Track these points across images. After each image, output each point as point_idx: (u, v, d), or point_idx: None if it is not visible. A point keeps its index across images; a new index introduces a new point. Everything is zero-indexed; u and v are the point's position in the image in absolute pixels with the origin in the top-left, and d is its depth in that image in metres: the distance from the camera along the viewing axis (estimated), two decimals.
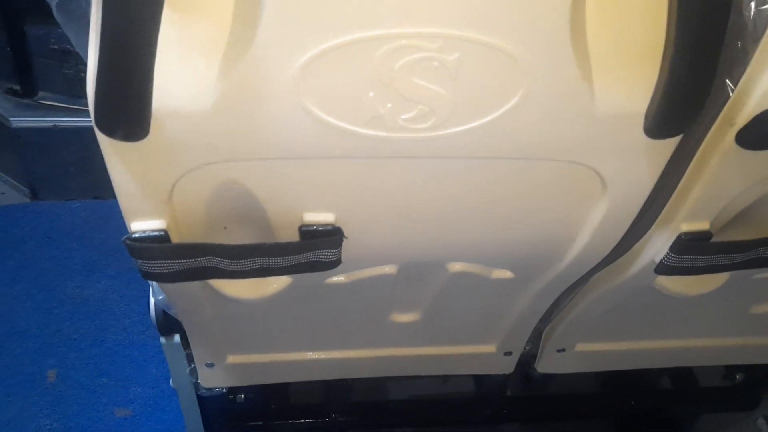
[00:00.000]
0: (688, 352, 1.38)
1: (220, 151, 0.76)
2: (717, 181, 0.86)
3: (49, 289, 2.33)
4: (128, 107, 0.67)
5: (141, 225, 0.81)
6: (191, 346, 1.22)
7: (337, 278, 1.02)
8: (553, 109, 0.74)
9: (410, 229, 0.92)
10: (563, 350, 1.34)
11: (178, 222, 0.84)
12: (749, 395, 1.64)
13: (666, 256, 0.95)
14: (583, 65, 0.71)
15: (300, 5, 0.64)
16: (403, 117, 0.72)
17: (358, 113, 0.72)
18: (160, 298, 1.15)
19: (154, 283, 1.12)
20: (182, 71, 0.69)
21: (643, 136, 0.78)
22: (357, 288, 1.05)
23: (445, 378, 1.64)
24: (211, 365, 1.26)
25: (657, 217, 0.93)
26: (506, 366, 1.36)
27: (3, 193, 2.61)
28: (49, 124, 2.45)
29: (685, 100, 0.73)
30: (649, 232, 0.96)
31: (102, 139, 0.71)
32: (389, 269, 1.02)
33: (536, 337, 1.32)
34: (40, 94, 2.52)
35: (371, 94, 0.70)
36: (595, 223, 0.91)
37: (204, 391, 1.36)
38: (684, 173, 0.86)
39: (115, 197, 0.79)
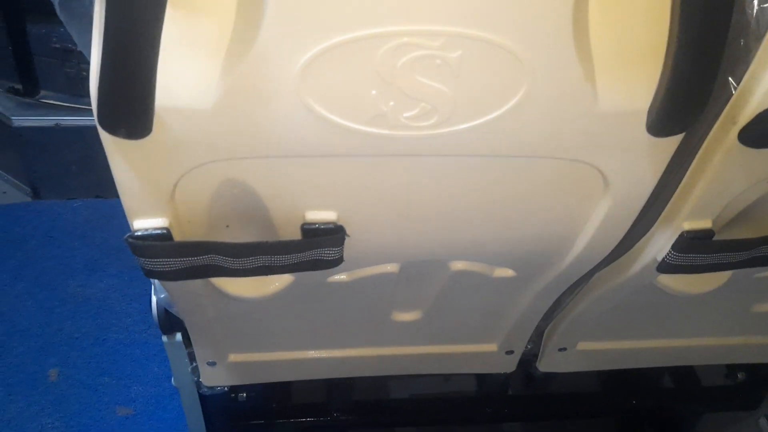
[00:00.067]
0: (689, 351, 1.38)
1: (223, 149, 0.76)
2: (719, 180, 0.86)
3: (51, 288, 2.33)
4: (131, 105, 0.67)
5: (143, 223, 0.81)
6: (193, 344, 1.22)
7: (339, 277, 1.02)
8: (555, 106, 0.74)
9: (412, 228, 0.92)
10: (565, 349, 1.34)
11: (181, 220, 0.84)
12: (751, 394, 1.64)
13: (668, 254, 0.94)
14: (586, 63, 0.71)
15: (302, 4, 0.64)
16: (405, 115, 0.72)
17: (360, 111, 0.72)
18: (162, 296, 1.15)
19: (156, 281, 1.12)
20: (185, 69, 0.69)
21: (646, 134, 0.77)
22: (359, 286, 1.05)
23: (447, 377, 1.64)
24: (212, 364, 1.26)
25: (659, 215, 0.93)
26: (508, 365, 1.36)
27: (4, 192, 2.61)
28: (51, 123, 2.45)
29: (688, 98, 0.73)
30: (652, 230, 0.95)
31: (105, 137, 0.71)
32: (391, 268, 1.02)
33: (538, 335, 1.32)
34: (42, 93, 2.53)
35: (373, 92, 0.70)
36: (597, 221, 0.91)
37: (206, 390, 1.36)
38: (686, 171, 0.86)
39: (116, 196, 0.79)
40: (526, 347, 1.34)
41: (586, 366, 1.41)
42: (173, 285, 0.97)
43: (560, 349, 1.34)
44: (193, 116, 0.71)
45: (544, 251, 0.99)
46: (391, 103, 0.71)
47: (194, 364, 1.28)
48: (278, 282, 1.02)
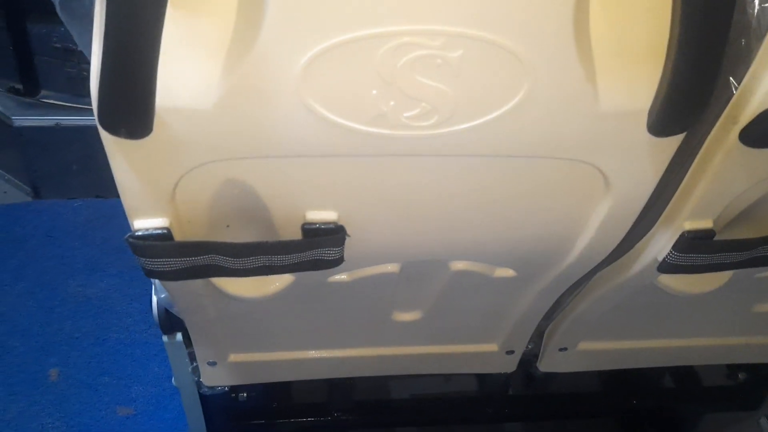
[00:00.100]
0: (690, 351, 1.37)
1: (223, 149, 0.76)
2: (720, 179, 0.86)
3: (51, 288, 2.33)
4: (132, 105, 0.67)
5: (144, 223, 0.81)
6: (193, 344, 1.22)
7: (340, 277, 1.02)
8: (556, 106, 0.74)
9: (413, 228, 0.92)
10: (565, 349, 1.34)
11: (181, 220, 0.84)
12: (752, 395, 1.64)
13: (669, 254, 0.94)
14: (587, 63, 0.71)
15: (303, 4, 0.64)
16: (405, 115, 0.72)
17: (360, 111, 0.72)
18: (163, 296, 1.15)
19: (157, 281, 1.12)
20: (186, 69, 0.69)
21: (647, 134, 0.77)
22: (359, 286, 1.05)
23: (447, 377, 1.64)
24: (213, 364, 1.26)
25: (660, 215, 0.93)
26: (508, 365, 1.36)
27: (5, 192, 2.61)
28: (51, 123, 2.45)
29: (689, 97, 0.73)
30: (652, 230, 0.95)
31: (105, 137, 0.71)
32: (392, 268, 1.02)
33: (538, 335, 1.32)
34: (43, 92, 2.53)
35: (374, 92, 0.70)
36: (598, 221, 0.91)
37: (206, 390, 1.36)
38: (687, 171, 0.86)
39: (117, 196, 0.79)
40: (527, 347, 1.34)
41: (586, 366, 1.41)
42: (174, 285, 0.97)
43: (561, 349, 1.34)
44: (194, 116, 0.71)
45: (544, 251, 0.99)
46: (392, 103, 0.71)
47: (195, 364, 1.28)
48: (278, 282, 1.02)
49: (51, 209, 2.58)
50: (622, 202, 0.88)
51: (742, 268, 0.98)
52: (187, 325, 1.14)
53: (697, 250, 0.93)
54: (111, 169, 0.76)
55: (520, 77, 0.70)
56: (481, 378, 1.62)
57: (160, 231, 0.80)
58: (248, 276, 0.89)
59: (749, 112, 0.77)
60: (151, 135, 0.71)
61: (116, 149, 0.73)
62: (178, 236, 0.82)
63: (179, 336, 1.26)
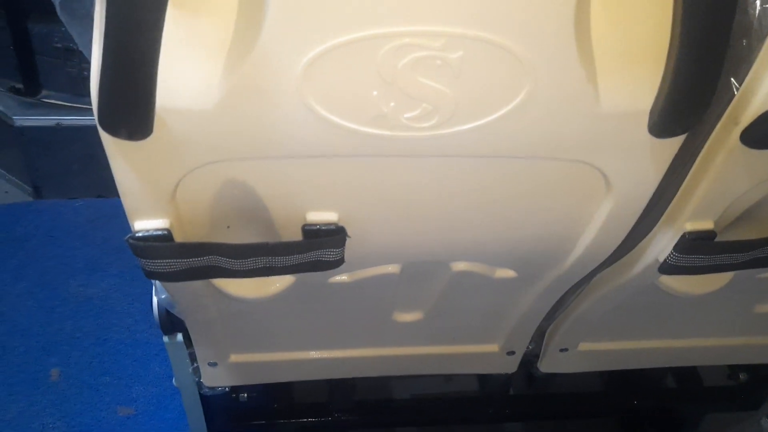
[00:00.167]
0: (691, 352, 1.37)
1: (224, 150, 0.76)
2: (721, 180, 0.86)
3: (52, 288, 2.33)
4: (132, 106, 0.67)
5: (144, 224, 0.81)
6: (194, 345, 1.22)
7: (340, 277, 1.02)
8: (557, 107, 0.74)
9: (413, 229, 0.92)
10: (566, 350, 1.34)
11: (182, 221, 0.84)
12: (753, 395, 1.64)
13: (670, 255, 0.94)
14: (588, 63, 0.71)
15: (304, 4, 0.64)
16: (406, 116, 0.72)
17: (361, 112, 0.72)
18: (163, 297, 1.15)
19: (157, 282, 1.12)
20: (186, 70, 0.69)
21: (648, 135, 0.77)
22: (360, 287, 1.04)
23: (448, 377, 1.64)
24: (213, 364, 1.26)
25: (661, 216, 0.93)
26: (509, 365, 1.36)
27: (6, 192, 2.62)
28: (52, 123, 2.46)
29: (690, 98, 0.73)
30: (653, 231, 0.95)
31: (105, 138, 0.71)
32: (392, 268, 1.02)
33: (539, 336, 1.32)
34: (44, 92, 2.53)
35: (374, 92, 0.70)
36: (599, 222, 0.91)
37: (207, 390, 1.36)
38: (688, 172, 0.86)
39: (118, 195, 0.79)
40: (528, 348, 1.33)
41: (587, 366, 1.40)
42: (174, 286, 0.97)
43: (562, 350, 1.34)
44: (195, 117, 0.71)
45: (545, 252, 0.99)
46: (392, 103, 0.71)
47: (195, 364, 1.28)
48: (279, 283, 1.02)
49: (52, 209, 2.58)
50: (623, 202, 0.88)
51: (743, 269, 0.97)
52: (188, 325, 1.14)
53: (698, 251, 0.93)
54: (111, 170, 0.76)
55: (521, 78, 0.70)
56: (482, 378, 1.62)
57: (160, 232, 0.80)
58: (249, 277, 0.89)
59: (750, 113, 0.77)
60: (152, 136, 0.71)
61: (116, 150, 0.73)
62: (178, 237, 0.82)
63: (180, 336, 1.26)
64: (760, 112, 0.77)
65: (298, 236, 0.86)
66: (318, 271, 0.90)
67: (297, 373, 1.33)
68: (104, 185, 2.55)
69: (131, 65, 0.64)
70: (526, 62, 0.69)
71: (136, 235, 0.80)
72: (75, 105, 2.48)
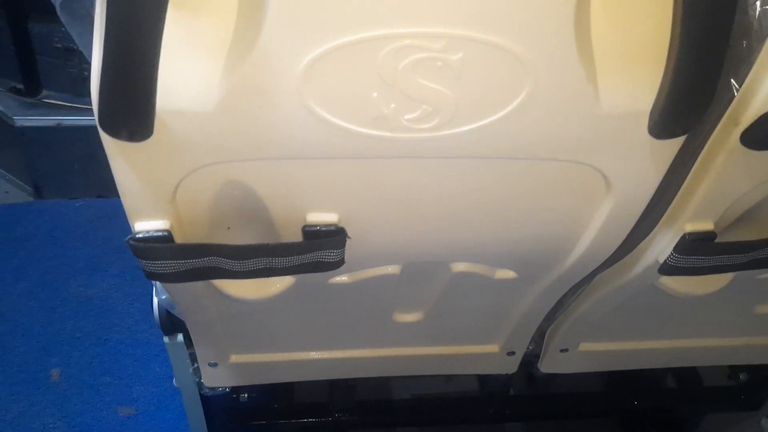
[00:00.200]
0: (691, 352, 1.37)
1: (224, 151, 0.76)
2: (721, 181, 0.86)
3: (53, 288, 2.33)
4: (132, 108, 0.67)
5: (145, 225, 0.81)
6: (194, 345, 1.22)
7: (341, 278, 1.02)
8: (557, 108, 0.74)
9: (413, 230, 0.92)
10: (566, 350, 1.34)
11: (182, 222, 0.84)
12: (753, 395, 1.64)
13: (670, 256, 0.94)
14: (588, 65, 0.71)
15: (304, 5, 0.64)
16: (406, 117, 0.72)
17: (361, 113, 0.72)
18: (164, 297, 1.15)
19: (158, 282, 1.12)
20: (186, 71, 0.69)
21: (648, 136, 0.77)
22: (360, 288, 1.05)
23: (448, 377, 1.64)
24: (214, 365, 1.26)
25: (661, 216, 0.93)
26: (509, 366, 1.36)
27: (7, 192, 2.62)
28: (53, 123, 2.46)
29: (690, 99, 0.73)
30: (653, 231, 0.95)
31: (106, 139, 0.71)
32: (392, 269, 1.02)
33: (539, 336, 1.32)
34: (44, 92, 2.53)
35: (375, 94, 0.70)
36: (599, 222, 0.91)
37: (207, 391, 1.36)
38: (688, 173, 0.86)
39: (118, 195, 0.79)
40: (528, 348, 1.33)
41: (588, 367, 1.40)
42: (174, 286, 0.97)
43: (562, 350, 1.34)
44: (195, 118, 0.71)
45: (545, 253, 0.99)
46: (393, 105, 0.71)
47: (196, 365, 1.28)
48: (279, 283, 1.02)
49: (52, 209, 2.59)
50: (623, 203, 0.88)
51: (743, 270, 0.97)
52: (188, 326, 1.14)
53: (698, 252, 0.93)
54: (112, 171, 0.76)
55: (521, 79, 0.70)
56: (482, 378, 1.62)
57: (160, 233, 0.80)
58: (249, 278, 0.89)
59: (750, 114, 0.77)
60: (152, 137, 0.71)
61: (117, 151, 0.73)
62: (178, 238, 0.82)
63: (180, 337, 1.26)
64: (760, 113, 0.77)
65: (298, 237, 0.86)
66: (318, 272, 0.90)
67: (297, 373, 1.34)
68: (105, 185, 2.55)
69: (132, 66, 0.64)
70: (526, 63, 0.69)
71: (137, 236, 0.81)
72: (75, 105, 2.48)
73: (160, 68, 0.64)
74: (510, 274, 1.05)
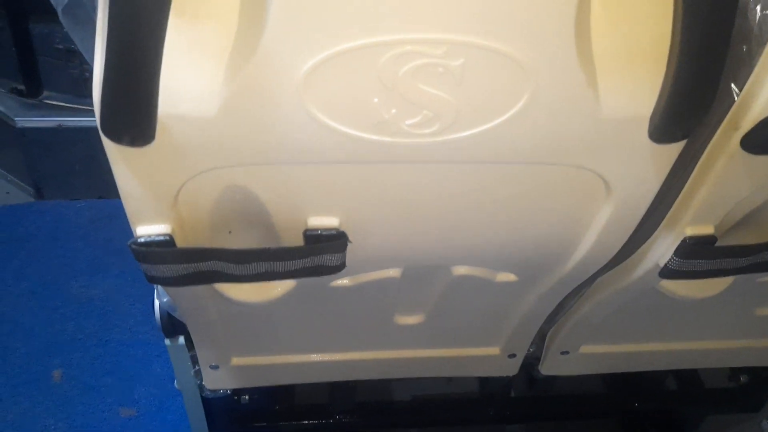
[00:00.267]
0: (692, 354, 1.37)
1: (225, 155, 0.76)
2: (722, 186, 0.86)
3: (54, 289, 2.33)
4: (134, 113, 0.67)
5: (146, 229, 0.81)
6: (196, 348, 1.22)
7: (342, 281, 1.02)
8: (557, 113, 0.74)
9: (414, 233, 0.92)
10: (567, 352, 1.34)
11: (184, 226, 0.84)
12: (754, 397, 1.64)
13: (670, 260, 0.94)
14: (588, 69, 0.71)
15: (305, 11, 0.64)
16: (407, 122, 0.72)
17: (362, 118, 0.72)
18: (165, 300, 1.15)
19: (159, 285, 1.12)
20: (187, 76, 0.69)
21: (648, 141, 0.77)
22: (361, 291, 1.05)
23: (449, 379, 1.64)
24: (215, 367, 1.26)
25: (662, 220, 0.93)
26: (510, 368, 1.36)
27: (8, 193, 2.62)
28: (54, 124, 2.46)
29: (691, 104, 0.73)
30: (654, 235, 0.95)
31: (108, 144, 0.72)
32: (393, 272, 1.02)
33: (540, 339, 1.32)
34: (45, 93, 2.53)
35: (376, 99, 0.70)
36: (599, 226, 0.91)
37: (208, 393, 1.36)
38: (689, 177, 0.86)
39: (119, 196, 0.79)
40: (529, 350, 1.34)
41: (588, 369, 1.41)
42: (176, 290, 0.97)
43: (563, 353, 1.34)
44: (196, 123, 0.71)
45: (546, 256, 0.99)
46: (394, 110, 0.71)
47: (197, 367, 1.29)
48: (281, 287, 1.02)
49: (54, 210, 2.59)
50: (623, 207, 0.88)
51: (744, 273, 0.98)
52: (190, 328, 1.15)
53: (699, 256, 0.93)
54: (113, 175, 0.76)
55: (522, 84, 0.71)
56: (483, 380, 1.62)
57: (162, 237, 0.80)
58: (250, 282, 0.89)
59: (751, 118, 0.77)
60: (154, 142, 0.71)
61: (119, 156, 0.73)
62: (180, 242, 0.83)
63: (182, 339, 1.26)
64: (760, 118, 0.77)
65: (299, 241, 0.87)
66: (319, 275, 0.90)
67: (298, 375, 1.34)
68: (106, 186, 2.56)
69: (134, 72, 0.64)
70: (527, 69, 0.69)
71: (139, 240, 0.81)
72: (76, 106, 2.48)
73: (161, 74, 0.65)
74: (511, 277, 1.06)
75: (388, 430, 1.77)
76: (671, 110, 0.73)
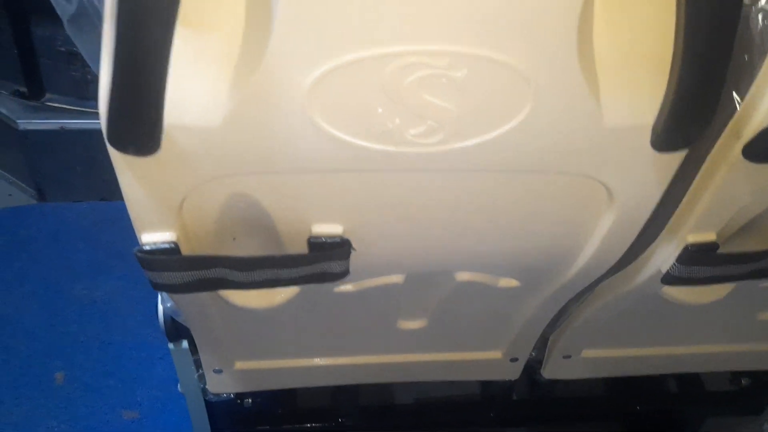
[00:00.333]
0: (693, 359, 1.38)
1: (230, 164, 0.76)
2: (723, 194, 0.86)
3: (56, 291, 2.33)
4: (140, 123, 0.68)
5: (152, 237, 0.81)
6: (199, 352, 1.22)
7: (345, 287, 1.03)
8: (560, 123, 0.74)
9: (417, 240, 0.93)
10: (569, 356, 1.34)
11: (188, 234, 0.84)
12: (755, 400, 1.64)
13: (672, 266, 0.95)
14: (590, 79, 0.72)
15: (310, 22, 0.64)
16: (411, 132, 0.73)
17: (367, 128, 0.72)
18: (169, 305, 1.16)
19: None
20: (193, 86, 0.70)
21: (650, 149, 0.78)
22: (364, 296, 1.05)
23: (452, 382, 1.65)
24: (219, 371, 1.26)
25: (663, 227, 0.93)
26: (512, 372, 1.37)
27: (10, 195, 2.62)
28: (56, 126, 2.45)
29: (693, 113, 0.73)
30: (656, 242, 0.96)
31: (113, 153, 0.72)
32: (396, 278, 1.03)
33: (542, 343, 1.32)
34: (47, 95, 2.53)
35: (380, 109, 0.71)
36: (601, 234, 0.91)
37: (212, 396, 1.36)
38: (690, 185, 0.86)
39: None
40: (531, 354, 1.34)
41: (590, 373, 1.41)
42: (180, 295, 0.97)
43: (565, 357, 1.34)
44: (202, 133, 0.72)
45: (548, 263, 1.00)
46: (397, 120, 0.72)
47: (200, 371, 1.29)
48: (284, 293, 1.03)
49: (56, 212, 2.59)
50: (625, 215, 0.88)
51: (746, 279, 0.98)
52: (193, 333, 1.15)
53: (701, 263, 0.94)
54: (119, 183, 0.77)
55: (525, 94, 0.71)
56: (485, 383, 1.62)
57: (167, 245, 0.81)
58: (254, 288, 0.89)
59: (753, 127, 0.77)
60: (160, 151, 0.72)
61: (125, 165, 0.74)
62: (185, 250, 0.83)
63: (185, 343, 1.26)
64: (762, 127, 0.77)
65: (303, 248, 0.87)
66: (323, 282, 0.91)
67: (302, 379, 1.34)
68: (108, 188, 2.55)
69: (141, 84, 0.64)
70: (529, 79, 0.69)
71: (144, 248, 0.81)
72: (79, 108, 2.48)
73: (167, 83, 0.65)
74: (513, 282, 1.06)
75: None
76: (674, 119, 0.74)
